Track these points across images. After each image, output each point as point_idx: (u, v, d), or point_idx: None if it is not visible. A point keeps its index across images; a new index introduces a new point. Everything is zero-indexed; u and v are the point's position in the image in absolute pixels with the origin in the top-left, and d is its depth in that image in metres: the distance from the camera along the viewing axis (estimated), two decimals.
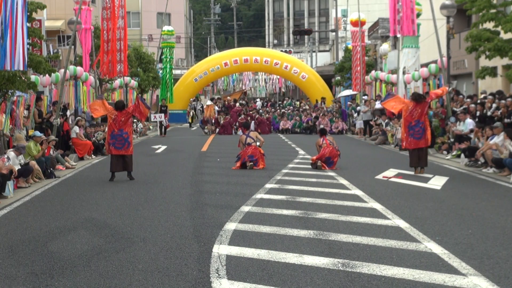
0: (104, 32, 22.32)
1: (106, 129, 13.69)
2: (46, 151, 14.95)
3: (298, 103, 42.82)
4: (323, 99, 36.49)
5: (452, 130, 18.09)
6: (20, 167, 12.72)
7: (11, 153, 12.86)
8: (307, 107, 35.77)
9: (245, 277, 5.97)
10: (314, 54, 65.01)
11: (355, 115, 29.09)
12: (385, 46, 36.71)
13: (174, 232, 8.06)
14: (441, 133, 20.07)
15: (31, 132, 16.34)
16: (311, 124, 31.24)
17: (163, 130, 30.24)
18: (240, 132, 29.95)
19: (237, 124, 30.97)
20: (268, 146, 17.07)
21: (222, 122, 31.28)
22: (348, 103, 33.84)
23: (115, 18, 22.03)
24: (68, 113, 20.93)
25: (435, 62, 23.05)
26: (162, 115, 30.57)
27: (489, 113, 17.23)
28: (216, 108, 34.23)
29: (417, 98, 14.06)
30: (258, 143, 15.68)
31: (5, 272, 6.33)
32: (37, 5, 16.67)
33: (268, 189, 11.73)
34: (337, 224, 8.42)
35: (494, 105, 17.39)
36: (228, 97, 40.14)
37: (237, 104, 36.90)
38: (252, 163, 15.03)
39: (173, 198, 10.94)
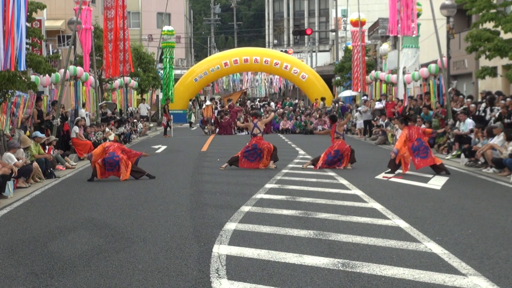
0: (109, 32, 22.31)
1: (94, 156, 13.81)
2: (48, 152, 14.97)
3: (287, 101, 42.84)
4: (323, 99, 36.51)
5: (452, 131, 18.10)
6: (23, 164, 12.75)
7: (7, 154, 12.84)
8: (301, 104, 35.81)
9: (245, 277, 5.97)
10: (314, 54, 65.03)
11: (356, 114, 29.09)
12: (385, 46, 36.72)
13: (174, 232, 8.06)
14: (441, 134, 20.06)
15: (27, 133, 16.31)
16: (305, 126, 31.10)
17: (167, 130, 30.21)
18: (243, 132, 30.02)
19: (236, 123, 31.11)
20: None
21: (221, 122, 31.27)
22: (340, 103, 33.96)
23: (119, 18, 22.05)
24: (69, 117, 20.85)
25: (435, 62, 23.05)
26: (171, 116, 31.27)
27: (487, 117, 17.21)
28: (218, 108, 34.25)
29: (405, 121, 14.36)
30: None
31: (5, 272, 6.33)
32: (37, 5, 16.68)
33: (268, 189, 11.73)
34: (337, 224, 8.41)
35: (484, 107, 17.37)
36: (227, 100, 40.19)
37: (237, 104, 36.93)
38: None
39: (173, 198, 10.94)
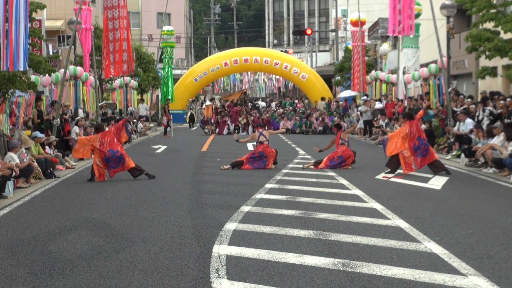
0: (110, 32, 22.29)
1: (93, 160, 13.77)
2: (48, 154, 15.00)
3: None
4: (323, 99, 36.49)
5: (451, 131, 18.10)
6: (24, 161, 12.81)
7: (10, 153, 12.86)
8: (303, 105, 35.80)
9: (245, 277, 5.97)
10: (314, 54, 65.04)
11: (354, 114, 29.11)
12: (385, 46, 36.73)
13: (174, 232, 8.06)
14: (441, 134, 20.07)
15: (27, 133, 16.31)
16: (305, 129, 31.08)
17: (167, 130, 30.17)
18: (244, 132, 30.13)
19: (232, 123, 31.14)
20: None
21: (221, 122, 31.27)
22: (341, 103, 34.00)
23: (121, 18, 22.06)
24: (68, 116, 20.79)
25: (435, 62, 23.05)
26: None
27: (480, 117, 17.22)
28: (219, 106, 34.26)
29: (410, 116, 14.16)
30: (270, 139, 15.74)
31: (5, 272, 6.33)
32: (37, 5, 16.69)
33: (268, 189, 11.73)
34: (337, 224, 8.41)
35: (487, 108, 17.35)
36: (225, 100, 40.15)
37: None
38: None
39: (173, 198, 10.94)
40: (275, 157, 15.43)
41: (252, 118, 31.07)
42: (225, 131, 30.66)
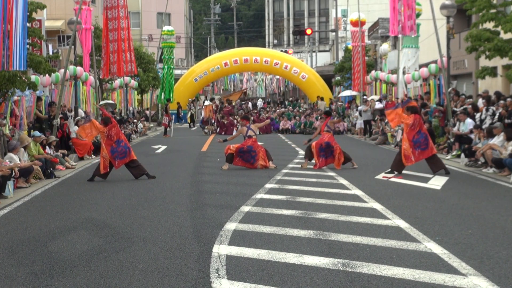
0: (110, 32, 22.28)
1: (101, 153, 13.81)
2: (49, 155, 15.01)
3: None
4: (322, 98, 36.51)
5: (451, 131, 18.10)
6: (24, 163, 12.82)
7: (9, 154, 12.86)
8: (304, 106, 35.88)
9: (245, 277, 5.97)
10: (314, 54, 65.02)
11: (356, 114, 29.12)
12: (385, 46, 36.71)
13: (174, 232, 8.06)
14: (441, 134, 20.07)
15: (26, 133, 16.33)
16: (304, 127, 31.08)
17: (167, 130, 30.16)
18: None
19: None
20: (268, 146, 17.09)
21: (225, 122, 31.18)
22: (339, 103, 33.98)
23: (122, 18, 22.06)
24: (69, 117, 20.76)
25: (435, 62, 23.05)
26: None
27: (483, 116, 17.21)
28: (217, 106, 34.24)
29: (415, 109, 14.15)
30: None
31: (5, 272, 6.33)
32: (37, 5, 16.68)
33: (268, 189, 11.73)
34: (337, 224, 8.41)
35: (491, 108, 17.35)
36: (226, 100, 40.11)
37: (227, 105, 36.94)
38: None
39: (173, 198, 10.94)
40: (267, 155, 15.30)
41: (252, 118, 31.07)
42: (234, 131, 30.61)
